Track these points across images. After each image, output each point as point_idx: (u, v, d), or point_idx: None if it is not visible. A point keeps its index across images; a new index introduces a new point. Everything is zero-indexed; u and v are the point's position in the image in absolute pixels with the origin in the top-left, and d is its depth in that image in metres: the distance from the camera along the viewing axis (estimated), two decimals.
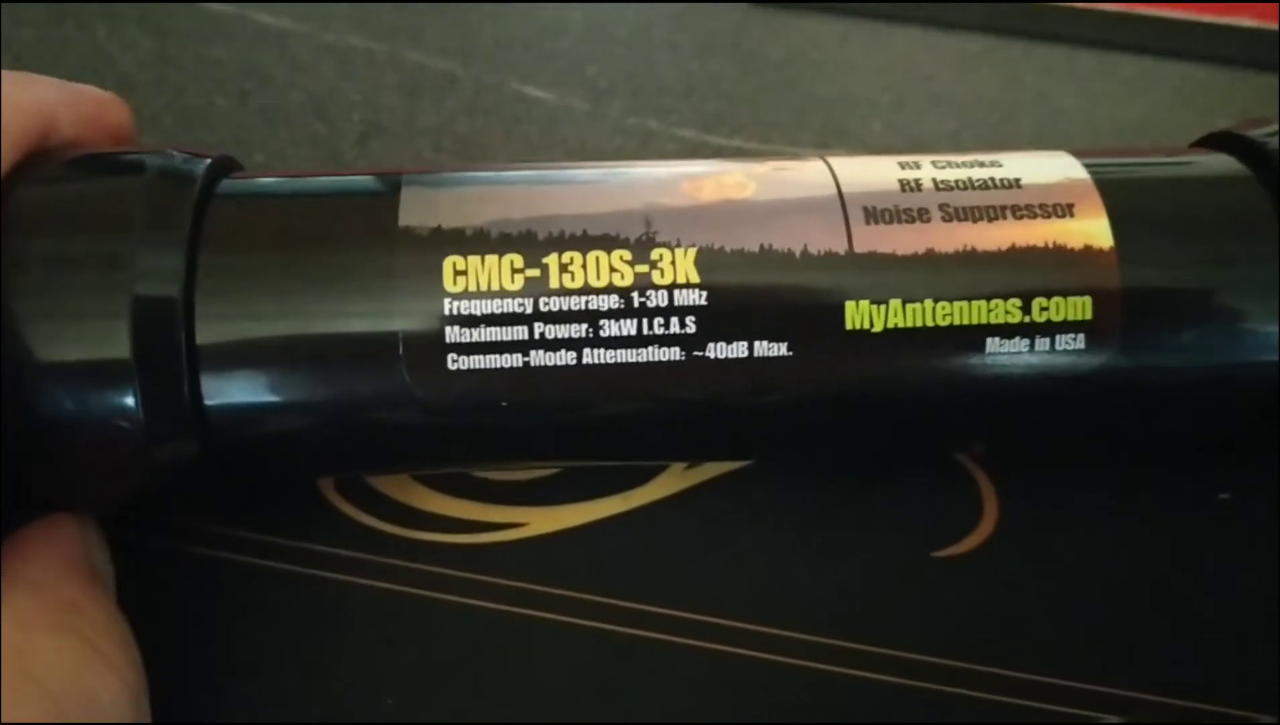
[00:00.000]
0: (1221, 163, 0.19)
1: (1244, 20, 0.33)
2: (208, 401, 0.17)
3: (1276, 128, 0.19)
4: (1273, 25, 0.32)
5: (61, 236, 0.16)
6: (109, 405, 0.16)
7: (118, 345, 0.16)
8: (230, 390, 0.17)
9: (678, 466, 0.21)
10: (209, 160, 0.18)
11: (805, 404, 0.17)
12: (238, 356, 0.17)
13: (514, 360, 0.16)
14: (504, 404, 0.17)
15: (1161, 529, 0.20)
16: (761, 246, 0.17)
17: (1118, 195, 0.18)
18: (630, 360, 0.17)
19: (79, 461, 0.17)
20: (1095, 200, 0.17)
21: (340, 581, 0.19)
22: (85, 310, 0.16)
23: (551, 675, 0.19)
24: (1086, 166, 0.18)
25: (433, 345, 0.16)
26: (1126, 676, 0.19)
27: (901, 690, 0.19)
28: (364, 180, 0.19)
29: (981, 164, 0.18)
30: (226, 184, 0.18)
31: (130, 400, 0.16)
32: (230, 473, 0.17)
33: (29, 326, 0.16)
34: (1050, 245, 0.17)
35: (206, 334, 0.16)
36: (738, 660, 0.19)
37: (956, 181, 0.18)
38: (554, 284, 0.16)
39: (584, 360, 0.17)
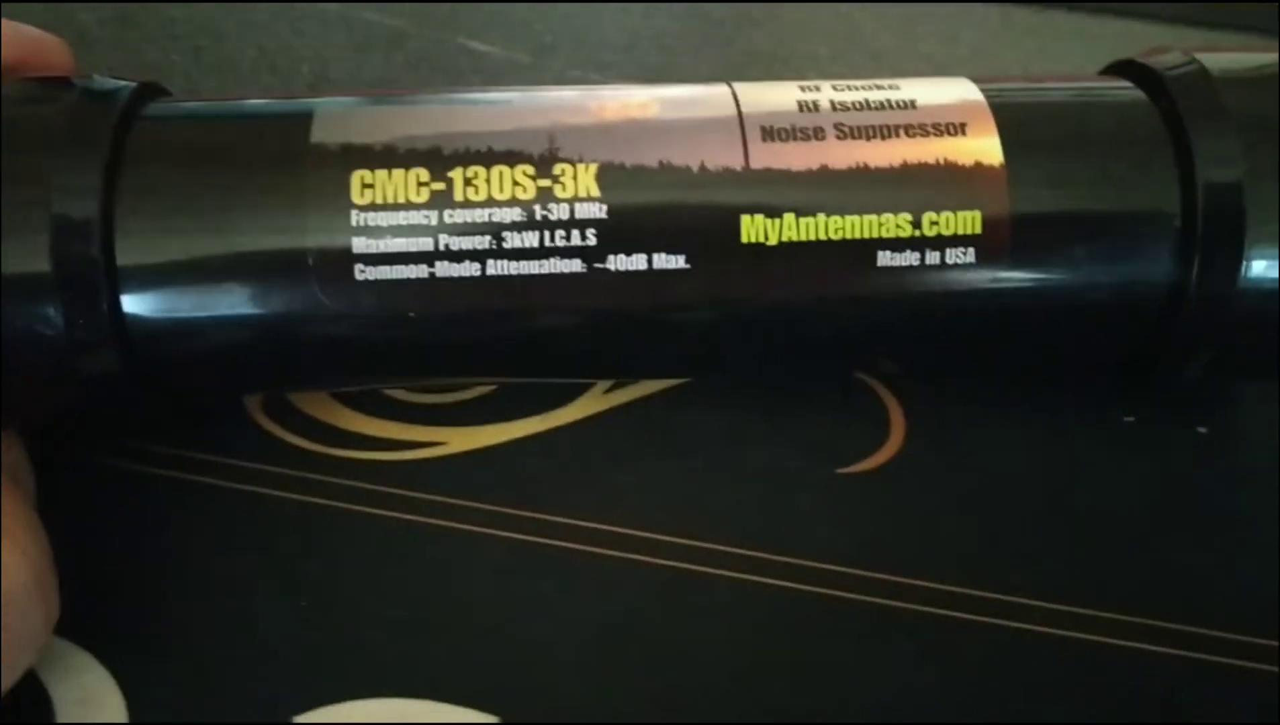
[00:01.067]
0: (1119, 89, 0.19)
1: None
2: (128, 315, 0.17)
3: (1175, 56, 0.19)
4: None
5: None
6: (31, 318, 0.16)
7: (39, 259, 0.16)
8: (149, 304, 0.17)
9: (596, 391, 0.22)
10: (133, 84, 0.18)
11: (705, 316, 0.18)
12: (156, 272, 0.17)
13: (419, 271, 0.17)
14: (411, 315, 0.17)
15: (1063, 448, 0.21)
16: (661, 162, 0.17)
17: (1011, 116, 0.18)
18: (533, 272, 0.17)
19: (3, 374, 0.17)
20: (988, 120, 0.18)
21: (262, 494, 0.20)
22: (8, 226, 0.16)
23: (465, 582, 0.19)
24: (984, 90, 0.19)
25: (341, 256, 0.17)
26: (1025, 584, 0.19)
27: (808, 597, 0.19)
28: (282, 103, 0.19)
29: (880, 87, 0.19)
30: (151, 107, 0.18)
31: (52, 313, 0.16)
32: (152, 387, 0.18)
33: None
34: (941, 162, 0.18)
35: (126, 249, 0.17)
36: (650, 569, 0.20)
37: (853, 103, 0.18)
38: (458, 197, 0.17)
39: (488, 271, 0.17)
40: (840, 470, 0.21)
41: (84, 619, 0.18)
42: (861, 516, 0.20)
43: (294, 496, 0.20)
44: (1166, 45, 0.20)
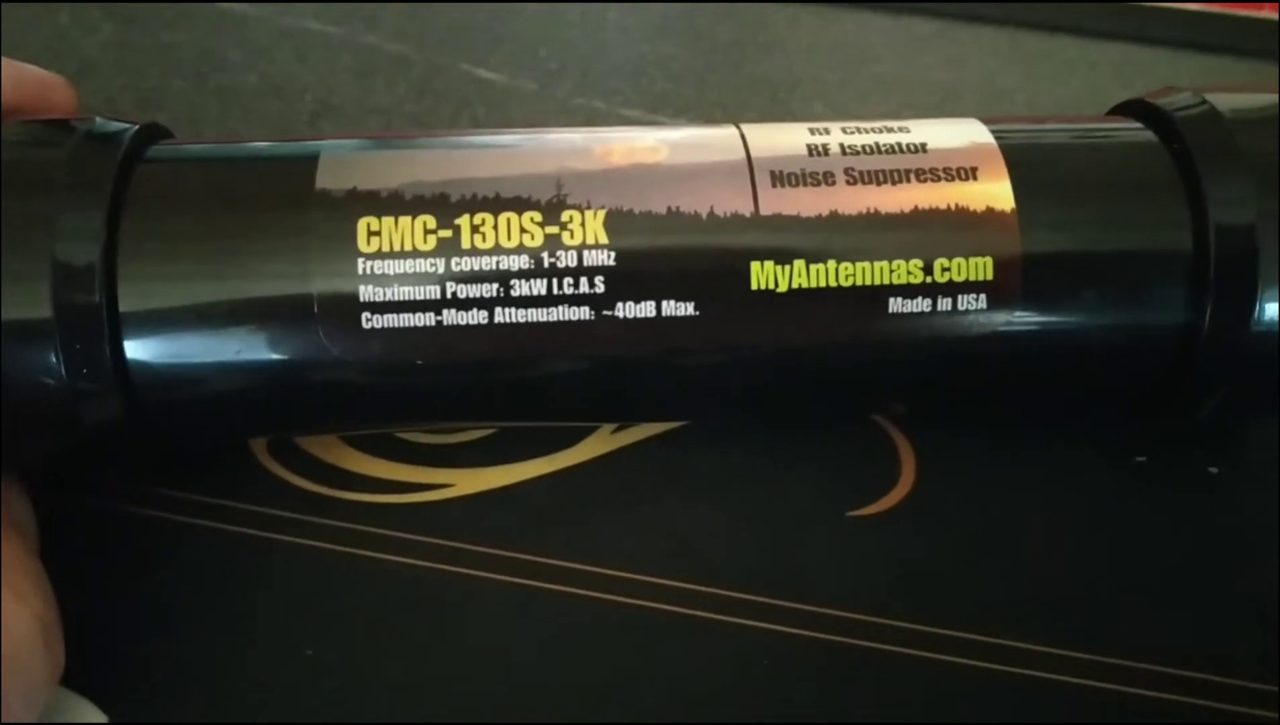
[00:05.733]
0: (1128, 129, 0.19)
1: (1184, 4, 0.33)
2: (130, 361, 0.17)
3: (1185, 96, 0.19)
4: (1211, 9, 0.33)
5: None
6: (33, 365, 0.16)
7: (40, 305, 0.16)
8: (152, 350, 0.17)
9: (603, 431, 0.21)
10: (135, 126, 0.18)
11: (713, 363, 0.18)
12: (159, 317, 0.17)
13: (427, 319, 0.17)
14: (419, 362, 0.17)
15: (1075, 489, 0.21)
16: (669, 208, 0.17)
17: (1022, 159, 0.18)
18: (541, 319, 0.17)
19: (4, 421, 0.17)
20: (999, 164, 0.18)
21: (267, 539, 0.20)
22: (9, 271, 0.16)
23: (474, 630, 0.19)
24: (993, 132, 0.19)
25: (347, 304, 0.17)
26: (1038, 631, 0.19)
27: (819, 644, 0.19)
28: (286, 146, 0.19)
29: (889, 129, 0.18)
30: (153, 150, 0.18)
31: (53, 359, 0.16)
32: (155, 432, 0.18)
33: None
34: (952, 207, 0.17)
35: (128, 295, 0.17)
36: (659, 615, 0.19)
37: (863, 146, 0.18)
38: (466, 244, 0.17)
39: (495, 319, 0.17)
40: (851, 513, 0.20)
41: (86, 665, 0.18)
42: (873, 560, 0.20)
43: (299, 540, 0.20)
44: (1175, 86, 0.20)
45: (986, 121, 0.19)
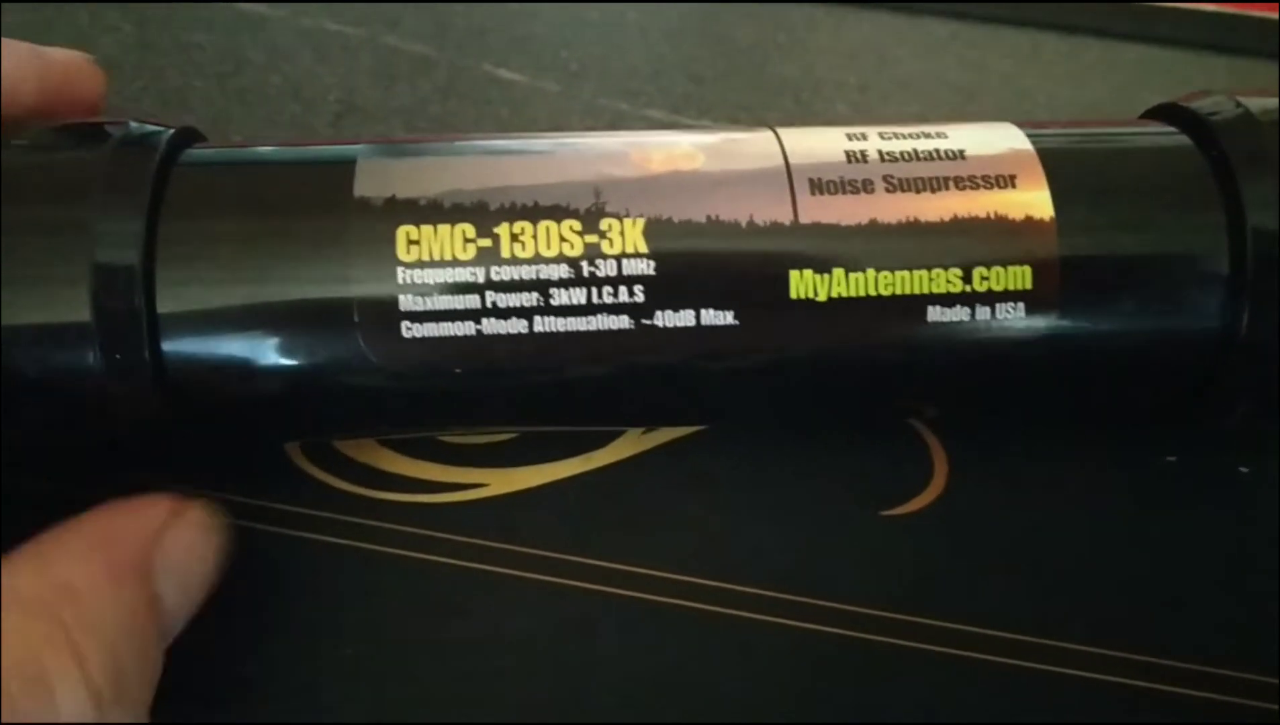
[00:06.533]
0: (1164, 134, 0.19)
1: (1203, 5, 0.33)
2: (169, 365, 0.17)
3: (1219, 100, 0.19)
4: (1230, 9, 0.33)
5: (26, 203, 0.17)
6: (72, 368, 0.16)
7: (79, 309, 0.16)
8: (190, 353, 0.17)
9: (635, 431, 0.22)
10: (170, 130, 0.18)
11: (752, 370, 0.18)
12: (197, 321, 0.17)
13: (467, 328, 0.17)
14: (458, 370, 0.17)
15: (1106, 490, 0.21)
16: (708, 217, 0.17)
17: (1060, 166, 0.18)
18: (580, 328, 0.17)
19: (43, 424, 0.17)
20: (1037, 171, 0.18)
21: (300, 538, 0.20)
22: (48, 275, 0.16)
23: (508, 628, 0.19)
24: (1030, 137, 0.18)
25: (387, 313, 0.17)
26: (1071, 630, 0.19)
27: (850, 642, 0.19)
28: (322, 150, 0.19)
29: (927, 135, 0.18)
30: (188, 153, 0.18)
31: (92, 363, 0.16)
32: (192, 435, 0.18)
33: None
34: (992, 216, 0.17)
35: (166, 299, 0.17)
36: (692, 613, 0.19)
37: (901, 153, 0.18)
38: (505, 253, 0.17)
39: (535, 328, 0.17)
40: (884, 513, 0.21)
41: None
42: (905, 559, 0.20)
43: (332, 539, 0.20)
44: (1207, 90, 0.20)
45: (1021, 125, 0.19)
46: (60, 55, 0.19)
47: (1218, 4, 0.33)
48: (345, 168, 0.18)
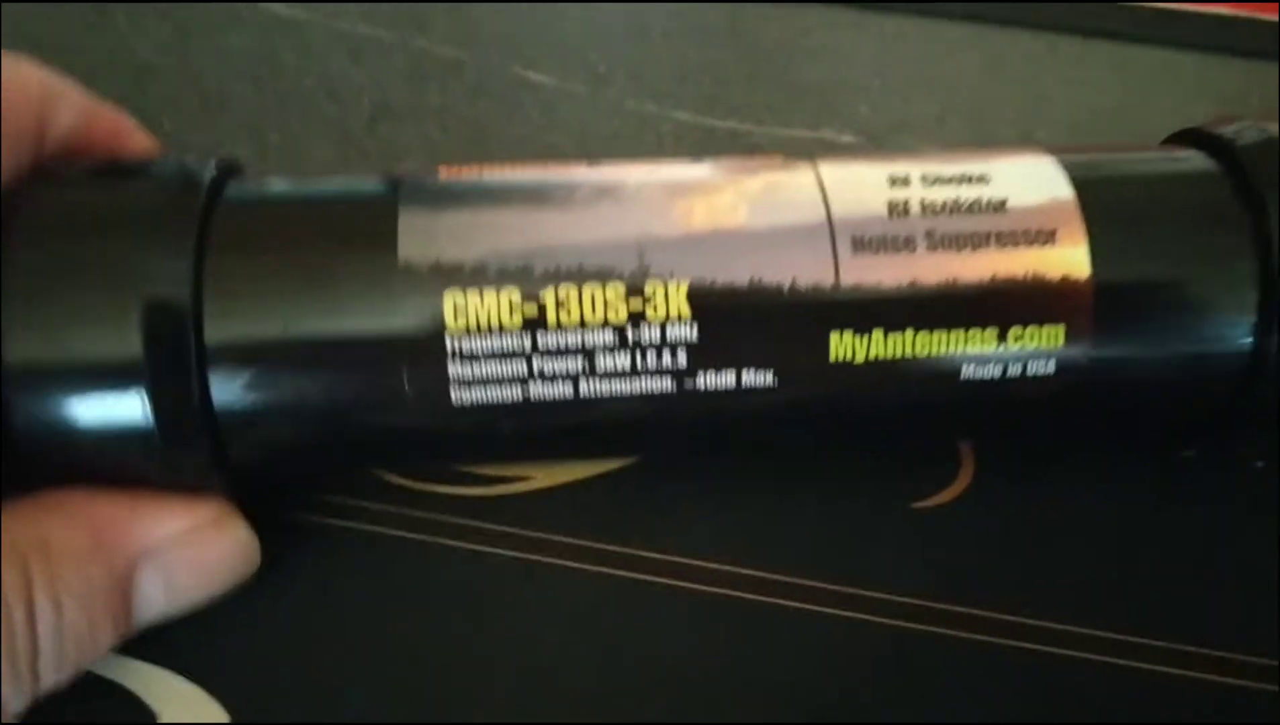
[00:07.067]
0: (1205, 178, 0.19)
1: (1220, 8, 0.33)
2: (217, 406, 0.17)
3: (1248, 128, 0.19)
4: (1244, 13, 0.33)
5: (73, 241, 0.17)
6: (120, 406, 0.17)
7: (129, 346, 0.16)
8: (238, 393, 0.17)
9: None
10: (213, 165, 0.18)
11: (788, 425, 0.18)
12: (244, 361, 0.17)
13: (513, 392, 0.17)
14: (505, 431, 0.18)
15: (1131, 482, 0.22)
16: (751, 280, 0.17)
17: (1098, 217, 0.18)
18: (624, 391, 0.17)
19: (91, 461, 0.18)
20: (1077, 225, 0.18)
21: (350, 528, 0.21)
22: (97, 314, 0.16)
23: (553, 618, 0.20)
24: (1070, 180, 0.18)
25: (437, 381, 0.17)
26: (1096, 617, 0.20)
27: (882, 629, 0.20)
28: (362, 191, 0.19)
29: (969, 179, 0.18)
30: (231, 188, 0.18)
31: (139, 400, 0.16)
32: (239, 474, 0.18)
33: (41, 328, 0.16)
34: (1030, 276, 0.18)
35: (215, 336, 0.17)
36: (731, 601, 0.21)
37: (944, 204, 0.18)
38: (551, 321, 0.17)
39: (580, 392, 0.17)
40: (915, 504, 0.22)
41: (191, 654, 0.19)
42: (937, 549, 0.21)
43: (380, 530, 0.21)
44: (1233, 115, 0.20)
45: (1059, 155, 0.19)
46: (113, 111, 0.19)
47: (1232, 6, 0.33)
48: (387, 220, 0.17)
